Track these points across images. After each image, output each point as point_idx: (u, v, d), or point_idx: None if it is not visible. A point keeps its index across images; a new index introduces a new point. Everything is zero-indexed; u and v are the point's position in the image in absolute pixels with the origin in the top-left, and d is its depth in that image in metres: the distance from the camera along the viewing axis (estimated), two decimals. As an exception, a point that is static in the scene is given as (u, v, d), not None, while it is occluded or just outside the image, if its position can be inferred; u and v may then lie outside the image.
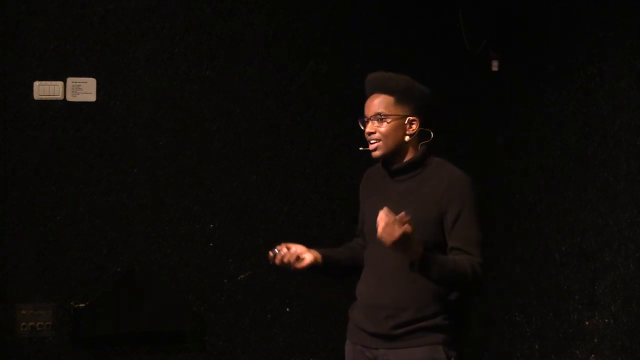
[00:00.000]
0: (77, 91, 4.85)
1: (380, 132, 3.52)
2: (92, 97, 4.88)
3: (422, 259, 3.31)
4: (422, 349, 3.46)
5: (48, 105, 4.81)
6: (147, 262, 4.97)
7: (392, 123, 3.51)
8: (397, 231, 3.21)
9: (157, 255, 5.00)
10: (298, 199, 5.25)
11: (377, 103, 3.53)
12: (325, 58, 5.27)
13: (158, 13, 4.98)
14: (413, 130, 3.54)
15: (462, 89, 5.46)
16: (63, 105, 4.84)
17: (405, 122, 3.53)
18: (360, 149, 3.64)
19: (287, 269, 3.60)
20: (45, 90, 4.80)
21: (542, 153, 5.21)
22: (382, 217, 3.24)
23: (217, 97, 5.10)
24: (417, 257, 3.30)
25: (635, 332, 4.64)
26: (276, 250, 3.55)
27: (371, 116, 3.53)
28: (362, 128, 3.58)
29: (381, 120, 3.51)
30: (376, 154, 3.55)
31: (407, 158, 3.55)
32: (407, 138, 3.54)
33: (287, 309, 5.24)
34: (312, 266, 3.59)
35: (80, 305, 4.83)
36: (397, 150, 3.54)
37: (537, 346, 5.19)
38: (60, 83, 4.83)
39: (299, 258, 3.56)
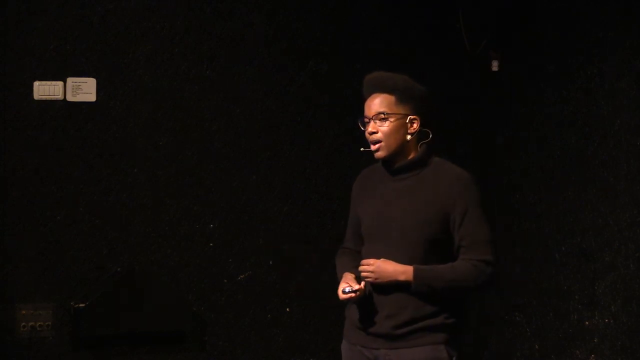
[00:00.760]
0: (77, 91, 4.85)
1: (382, 132, 3.52)
2: (92, 97, 4.88)
3: (416, 276, 3.40)
4: (423, 348, 3.46)
5: (48, 105, 4.81)
6: (147, 262, 4.97)
7: (394, 122, 3.52)
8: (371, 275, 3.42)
9: (157, 255, 5.00)
10: (298, 199, 5.25)
11: (378, 102, 3.53)
12: (325, 58, 5.27)
13: (158, 13, 4.98)
14: (414, 129, 3.54)
15: (462, 89, 5.46)
16: (63, 105, 4.84)
17: (407, 121, 3.53)
18: (362, 149, 3.63)
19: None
20: (45, 90, 4.80)
21: (542, 153, 5.21)
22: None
23: (217, 97, 5.10)
24: (410, 276, 3.41)
25: (635, 332, 4.64)
26: (347, 289, 3.48)
27: (373, 116, 3.53)
28: (362, 128, 3.58)
29: (383, 119, 3.51)
30: (379, 154, 3.55)
31: (408, 157, 3.56)
32: (408, 137, 3.54)
33: (287, 309, 5.23)
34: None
35: (80, 305, 4.83)
36: (398, 149, 3.54)
37: (537, 346, 5.19)
38: (60, 83, 4.83)
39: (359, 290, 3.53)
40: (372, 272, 3.45)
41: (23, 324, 4.79)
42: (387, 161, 3.58)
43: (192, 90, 5.05)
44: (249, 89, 5.15)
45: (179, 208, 5.04)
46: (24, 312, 4.79)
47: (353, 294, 3.45)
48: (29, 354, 4.79)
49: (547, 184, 5.17)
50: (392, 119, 3.51)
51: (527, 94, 5.33)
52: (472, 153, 5.39)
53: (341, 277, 3.60)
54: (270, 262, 5.19)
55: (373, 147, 3.55)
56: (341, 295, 3.48)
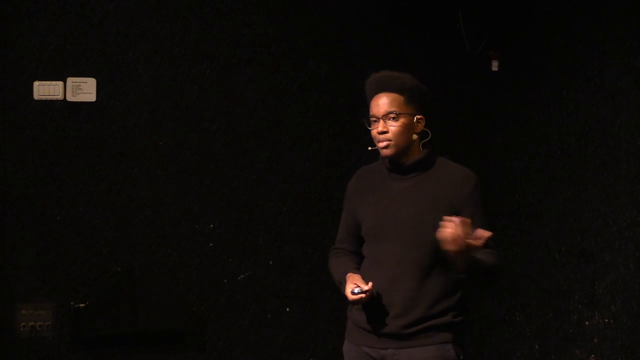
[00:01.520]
0: (77, 91, 4.85)
1: (392, 132, 3.52)
2: (92, 97, 4.88)
3: (469, 267, 3.37)
4: (432, 347, 3.48)
5: (48, 105, 4.81)
6: (147, 262, 4.97)
7: (403, 122, 3.52)
8: (464, 244, 3.26)
9: (157, 255, 5.00)
10: (298, 199, 5.25)
11: (388, 102, 3.53)
12: (325, 58, 5.28)
13: (158, 13, 4.98)
14: (420, 129, 3.56)
15: (462, 89, 5.46)
16: (63, 105, 4.84)
17: (414, 121, 3.54)
18: (370, 148, 3.63)
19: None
20: (45, 90, 4.80)
21: (542, 153, 5.21)
22: (454, 227, 3.26)
23: (217, 97, 5.10)
24: (465, 265, 3.36)
25: (635, 332, 4.64)
26: (356, 290, 3.45)
27: (383, 115, 3.53)
28: (369, 127, 3.57)
29: (394, 119, 3.52)
30: (387, 152, 3.54)
31: (413, 156, 3.56)
32: (414, 137, 3.55)
33: (287, 309, 5.23)
34: None
35: (80, 305, 4.83)
36: (406, 149, 3.55)
37: (537, 346, 5.19)
38: (60, 83, 4.83)
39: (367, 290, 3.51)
40: (456, 233, 3.30)
41: (23, 324, 4.79)
42: (392, 160, 3.57)
43: (192, 90, 5.05)
44: (249, 89, 5.15)
45: (179, 208, 5.04)
46: (24, 312, 4.79)
47: (363, 295, 3.44)
48: (29, 354, 4.79)
49: (547, 184, 5.18)
50: (403, 119, 3.52)
51: (527, 94, 5.33)
52: (472, 153, 5.39)
53: (342, 279, 3.59)
54: (270, 262, 5.19)
55: (381, 145, 3.54)
56: (350, 297, 3.45)
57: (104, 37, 4.88)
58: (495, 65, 5.48)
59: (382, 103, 3.54)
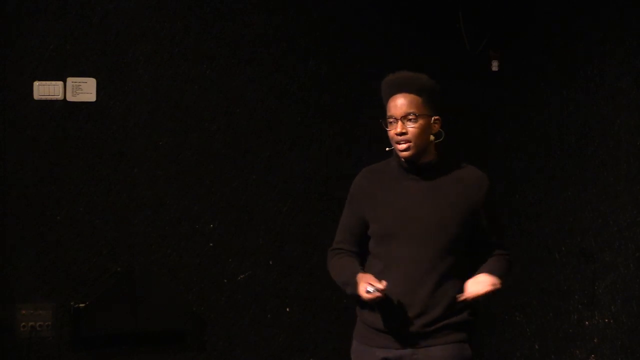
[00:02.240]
0: (77, 91, 4.85)
1: (411, 133, 3.51)
2: (92, 97, 4.88)
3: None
4: (450, 346, 3.49)
5: (48, 105, 4.81)
6: (147, 262, 4.97)
7: (422, 123, 3.52)
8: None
9: (157, 255, 5.00)
10: (298, 199, 5.25)
11: (407, 103, 3.52)
12: (325, 58, 5.27)
13: (158, 13, 4.98)
14: (436, 129, 3.56)
15: (462, 89, 5.46)
16: (63, 105, 4.84)
17: (432, 121, 3.54)
18: (388, 149, 3.62)
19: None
20: (45, 90, 4.80)
21: (542, 153, 5.21)
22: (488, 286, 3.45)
23: (217, 97, 5.10)
24: (497, 284, 3.49)
25: (635, 332, 4.64)
26: (371, 289, 3.43)
27: (402, 116, 3.52)
28: (386, 128, 3.57)
29: (413, 120, 3.51)
30: (406, 153, 3.53)
31: (429, 157, 3.56)
32: (431, 137, 3.56)
33: (287, 309, 5.23)
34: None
35: (80, 305, 4.83)
36: (423, 149, 3.55)
37: (537, 346, 5.19)
38: (60, 83, 4.83)
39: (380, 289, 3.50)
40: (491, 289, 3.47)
41: (23, 324, 4.79)
42: (411, 161, 3.57)
43: (192, 90, 5.05)
44: (249, 89, 5.15)
45: (179, 208, 5.04)
46: (24, 312, 4.79)
47: (379, 293, 3.41)
48: (29, 354, 4.79)
49: (547, 184, 5.18)
50: (421, 120, 3.52)
51: (527, 94, 5.33)
52: (472, 153, 5.38)
53: (350, 279, 3.55)
54: (270, 262, 5.19)
55: (400, 147, 3.53)
56: (365, 295, 3.43)
57: (104, 37, 4.88)
58: (495, 65, 5.48)
59: (400, 104, 3.53)
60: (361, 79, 5.26)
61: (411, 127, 3.51)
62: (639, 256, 4.63)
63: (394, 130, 3.53)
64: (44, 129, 4.81)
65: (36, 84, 4.78)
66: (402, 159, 3.57)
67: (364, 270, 3.59)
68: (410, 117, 3.51)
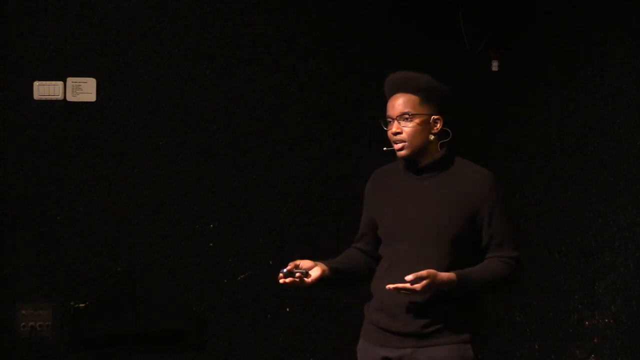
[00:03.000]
0: (77, 91, 4.85)
1: (406, 132, 3.51)
2: (92, 97, 4.88)
3: (460, 284, 3.40)
4: (451, 347, 3.47)
5: (48, 105, 4.81)
6: (147, 262, 4.97)
7: (418, 122, 3.51)
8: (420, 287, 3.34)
9: (157, 255, 5.00)
10: (298, 199, 5.25)
11: (402, 103, 3.52)
12: (325, 58, 5.27)
13: (158, 13, 4.98)
14: (437, 129, 3.55)
15: (462, 89, 5.45)
16: (63, 105, 4.84)
17: (430, 121, 3.53)
18: (385, 149, 3.62)
19: (298, 287, 3.56)
20: (45, 90, 4.80)
21: (542, 153, 5.21)
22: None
23: (217, 97, 5.10)
24: (453, 285, 3.39)
25: (635, 332, 4.64)
26: (285, 270, 3.50)
27: (397, 116, 3.52)
28: (385, 128, 3.57)
29: (408, 119, 3.51)
30: (402, 153, 3.54)
31: (431, 157, 3.55)
32: (431, 137, 3.54)
33: (287, 309, 5.23)
34: (321, 280, 3.58)
35: (80, 305, 4.83)
36: (422, 149, 3.54)
37: (537, 346, 5.19)
38: (60, 83, 4.83)
39: (307, 274, 3.53)
40: (419, 291, 3.36)
41: (23, 324, 4.79)
42: (410, 161, 3.57)
43: (192, 90, 5.05)
44: (249, 89, 5.15)
45: (179, 208, 5.04)
46: (24, 312, 4.79)
47: (281, 274, 3.48)
48: (29, 354, 4.79)
49: (547, 184, 5.18)
50: (417, 119, 3.51)
51: (527, 94, 5.33)
52: (472, 153, 5.37)
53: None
54: (270, 262, 5.19)
55: (396, 147, 3.54)
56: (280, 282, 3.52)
57: (104, 37, 4.88)
58: (495, 65, 5.48)
59: (396, 104, 3.53)
60: (361, 79, 5.26)
61: (406, 127, 3.52)
62: (639, 256, 4.63)
63: (390, 130, 3.54)
64: (44, 129, 4.81)
65: (36, 84, 4.78)
66: (402, 159, 3.57)
67: (337, 263, 3.65)
68: (406, 116, 3.51)
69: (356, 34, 5.33)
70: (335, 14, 5.30)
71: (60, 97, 4.83)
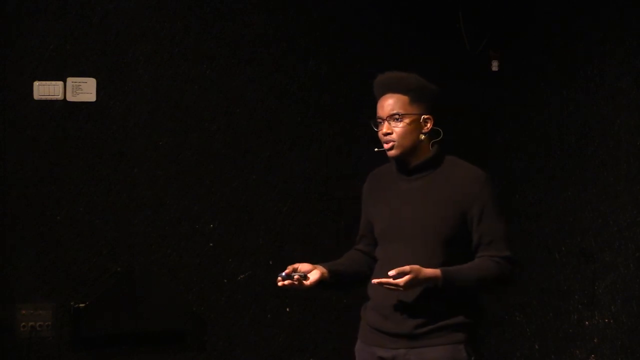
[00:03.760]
0: (77, 91, 4.85)
1: (396, 133, 3.51)
2: (92, 97, 4.88)
3: (445, 281, 3.38)
4: (444, 347, 3.46)
5: (48, 105, 4.81)
6: (147, 262, 4.97)
7: (408, 122, 3.51)
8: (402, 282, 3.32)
9: (157, 255, 5.00)
10: (298, 199, 5.25)
11: (392, 103, 3.52)
12: (325, 58, 5.27)
13: (158, 13, 4.98)
14: (428, 128, 3.55)
15: (462, 89, 5.46)
16: (63, 105, 4.84)
17: (421, 120, 3.53)
18: (376, 149, 3.63)
19: (297, 289, 3.56)
20: (45, 90, 4.80)
21: (542, 153, 5.21)
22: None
23: (217, 97, 5.10)
24: (439, 282, 3.38)
25: (635, 332, 4.64)
26: (283, 273, 3.50)
27: (387, 117, 3.52)
28: (375, 129, 3.57)
29: (397, 120, 3.51)
30: (392, 153, 3.54)
31: (422, 156, 3.55)
32: (422, 137, 3.54)
33: (287, 309, 5.24)
34: (320, 282, 3.57)
35: (80, 305, 4.83)
36: (412, 149, 3.54)
37: (537, 346, 5.19)
38: (60, 83, 4.83)
39: (305, 277, 3.53)
40: (402, 286, 3.36)
41: (23, 324, 4.78)
42: (400, 161, 3.57)
43: (192, 90, 5.05)
44: (249, 89, 5.15)
45: (179, 208, 5.04)
46: (24, 312, 4.79)
47: (279, 278, 3.48)
48: (29, 354, 4.79)
49: (547, 184, 5.18)
50: (406, 119, 3.51)
51: (527, 94, 5.33)
52: (472, 153, 5.38)
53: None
54: (270, 262, 5.19)
55: (387, 146, 3.55)
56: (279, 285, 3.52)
57: (104, 37, 4.88)
58: (495, 65, 5.48)
59: (386, 104, 3.54)
60: (361, 79, 5.24)
61: (396, 127, 3.52)
62: (639, 256, 4.63)
63: (380, 130, 3.55)
64: (44, 129, 4.81)
65: (36, 84, 4.78)
66: (393, 159, 3.58)
67: (337, 266, 3.65)
68: (395, 116, 3.52)
69: (356, 34, 5.33)
70: (335, 14, 5.30)
71: (60, 97, 4.83)
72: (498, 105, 5.51)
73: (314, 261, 5.13)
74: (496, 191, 3.58)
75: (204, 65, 5.06)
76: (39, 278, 4.81)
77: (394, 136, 3.52)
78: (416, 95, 3.53)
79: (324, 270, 3.59)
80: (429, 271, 3.37)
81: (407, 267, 3.33)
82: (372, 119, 3.59)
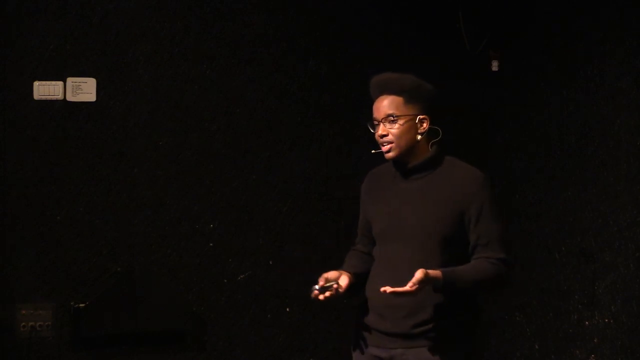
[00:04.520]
0: (77, 91, 4.85)
1: (392, 134, 3.52)
2: (92, 97, 4.88)
3: (446, 282, 3.39)
4: (441, 347, 3.47)
5: (48, 105, 4.81)
6: (147, 262, 4.97)
7: (404, 123, 3.51)
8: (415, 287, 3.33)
9: (157, 255, 5.00)
10: (298, 199, 5.25)
11: (387, 104, 3.52)
12: (325, 58, 5.28)
13: (158, 13, 4.98)
14: (424, 128, 3.55)
15: (462, 89, 5.46)
16: (63, 105, 4.84)
17: (416, 121, 3.53)
18: (373, 151, 3.63)
19: (334, 299, 3.54)
20: (45, 90, 4.80)
21: (542, 153, 5.21)
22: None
23: (217, 97, 5.10)
24: (439, 283, 3.38)
25: (635, 332, 4.64)
26: (317, 286, 3.48)
27: (382, 118, 3.52)
28: (372, 131, 3.57)
29: (393, 121, 3.51)
30: (390, 155, 3.54)
31: (419, 157, 3.55)
32: (418, 137, 3.54)
33: (287, 309, 5.24)
34: (349, 287, 3.57)
35: (80, 305, 4.83)
36: (409, 149, 3.54)
37: (537, 346, 5.19)
38: (60, 83, 4.83)
39: (338, 284, 3.52)
40: (414, 292, 3.37)
41: (23, 324, 4.79)
42: (398, 162, 3.57)
43: (192, 90, 5.05)
44: (249, 89, 5.15)
45: (179, 208, 5.04)
46: (24, 312, 4.79)
47: (316, 292, 3.46)
48: (29, 354, 4.79)
49: (547, 184, 5.18)
50: (402, 120, 3.51)
51: (527, 94, 5.33)
52: (472, 153, 5.38)
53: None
54: (270, 262, 5.19)
55: (384, 148, 3.54)
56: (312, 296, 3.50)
57: (104, 37, 4.88)
58: (495, 65, 5.48)
59: (381, 106, 3.54)
60: (361, 79, 5.18)
61: (392, 129, 3.52)
62: (639, 256, 4.63)
63: (377, 132, 3.54)
64: (44, 129, 4.81)
65: (36, 84, 4.78)
66: (391, 160, 3.58)
67: (356, 268, 3.63)
68: (391, 118, 3.52)
69: (356, 34, 5.33)
70: (335, 14, 5.30)
71: (60, 97, 4.83)
72: (498, 105, 5.51)
73: (313, 260, 5.18)
74: (494, 192, 3.58)
75: (204, 65, 5.06)
76: (39, 278, 4.81)
77: (390, 138, 3.52)
78: (411, 96, 3.52)
79: (348, 274, 3.58)
80: (432, 272, 3.37)
81: (420, 276, 3.32)
82: (369, 121, 3.59)
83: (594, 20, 4.90)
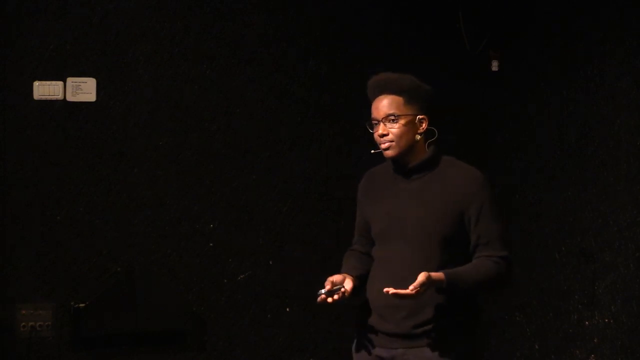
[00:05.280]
0: (77, 91, 4.85)
1: (393, 134, 3.52)
2: (92, 97, 4.88)
3: (449, 284, 3.40)
4: (442, 347, 3.47)
5: (48, 105, 4.81)
6: (147, 262, 4.97)
7: (404, 123, 3.52)
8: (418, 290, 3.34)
9: (157, 255, 5.00)
10: (298, 199, 5.25)
11: (387, 104, 3.53)
12: (325, 58, 5.28)
13: (158, 13, 4.98)
14: (423, 128, 3.56)
15: (462, 89, 5.46)
16: (63, 105, 4.84)
17: (416, 121, 3.54)
18: (372, 151, 3.63)
19: (340, 302, 3.54)
20: (45, 90, 4.80)
21: (542, 153, 5.21)
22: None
23: (217, 97, 5.10)
24: (442, 285, 3.39)
25: (635, 332, 4.64)
26: (323, 290, 3.48)
27: (382, 118, 3.53)
28: (371, 131, 3.58)
29: (393, 121, 3.52)
30: (389, 153, 3.54)
31: (418, 157, 3.56)
32: (417, 137, 3.55)
33: (287, 309, 5.24)
34: (353, 290, 3.57)
35: (80, 305, 4.83)
36: (408, 149, 3.54)
37: (537, 346, 5.19)
38: (60, 83, 4.83)
39: (343, 287, 3.52)
40: (416, 295, 3.38)
41: (23, 324, 4.79)
42: (397, 161, 3.57)
43: (192, 90, 5.05)
44: (249, 89, 5.15)
45: (179, 208, 5.04)
46: (24, 312, 4.79)
47: (323, 296, 3.47)
48: (29, 354, 4.79)
49: (547, 184, 5.18)
50: (402, 120, 3.52)
51: (527, 94, 5.33)
52: (472, 153, 5.38)
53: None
54: (270, 262, 5.19)
55: (383, 146, 3.55)
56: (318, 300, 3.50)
57: (104, 37, 4.88)
58: (495, 65, 5.48)
59: (381, 106, 3.54)
60: (361, 79, 5.18)
61: (392, 128, 3.52)
62: (639, 256, 4.63)
63: (376, 132, 3.55)
64: (44, 129, 4.81)
65: (36, 84, 4.78)
66: (390, 160, 3.58)
67: (357, 270, 3.62)
68: (391, 117, 3.52)
69: (356, 34, 5.33)
70: (335, 14, 5.30)
71: (60, 97, 4.83)
72: (498, 105, 5.51)
73: (313, 260, 5.18)
74: (494, 192, 3.59)
75: (204, 65, 5.06)
76: (39, 278, 4.81)
77: (390, 137, 3.52)
78: (411, 96, 3.53)
79: (352, 277, 3.59)
80: (435, 275, 3.38)
81: (422, 279, 3.33)
82: (367, 120, 3.60)
83: (594, 20, 4.90)
